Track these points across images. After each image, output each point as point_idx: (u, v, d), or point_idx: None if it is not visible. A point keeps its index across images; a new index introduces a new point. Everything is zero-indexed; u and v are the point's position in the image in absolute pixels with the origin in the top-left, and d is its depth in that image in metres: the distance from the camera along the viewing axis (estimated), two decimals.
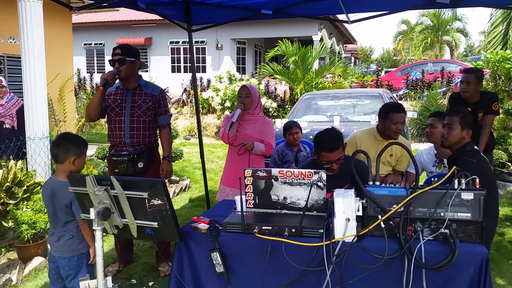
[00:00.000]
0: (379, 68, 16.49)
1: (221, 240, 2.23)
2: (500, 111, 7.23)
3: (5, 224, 3.85)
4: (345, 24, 19.17)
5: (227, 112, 11.44)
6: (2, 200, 3.90)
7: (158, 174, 3.50)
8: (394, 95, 11.04)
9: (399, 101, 11.11)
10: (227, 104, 11.55)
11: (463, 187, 2.00)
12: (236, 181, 3.40)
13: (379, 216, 2.01)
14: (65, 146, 2.49)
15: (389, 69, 21.68)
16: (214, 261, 2.19)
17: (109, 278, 2.03)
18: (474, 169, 2.62)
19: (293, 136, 4.19)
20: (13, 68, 7.62)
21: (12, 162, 4.21)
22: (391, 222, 2.03)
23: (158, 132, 3.62)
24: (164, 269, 3.54)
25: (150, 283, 3.40)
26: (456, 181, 2.01)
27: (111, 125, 3.45)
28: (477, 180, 2.02)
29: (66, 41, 9.01)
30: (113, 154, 3.40)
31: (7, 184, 3.99)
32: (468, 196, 1.99)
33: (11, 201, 3.96)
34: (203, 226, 2.29)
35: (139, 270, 3.64)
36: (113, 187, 1.95)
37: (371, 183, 2.12)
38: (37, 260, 3.72)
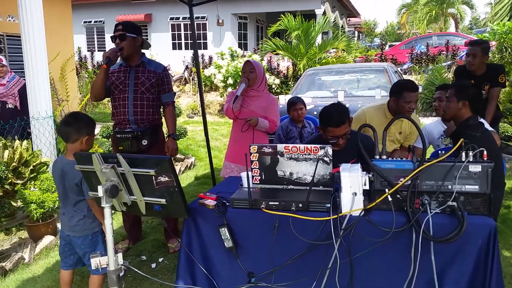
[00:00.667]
0: (383, 42, 16.25)
1: (229, 216, 2.25)
2: (507, 83, 7.17)
3: (14, 204, 3.90)
4: None
5: (230, 90, 11.36)
6: (10, 180, 3.92)
7: (162, 152, 3.50)
8: (399, 69, 10.92)
9: (404, 75, 10.98)
10: (230, 81, 11.46)
11: (471, 160, 1.99)
12: (240, 157, 3.41)
13: (386, 190, 2.01)
14: (77, 125, 2.51)
15: (393, 43, 21.37)
16: (222, 237, 2.21)
17: (120, 255, 2.05)
18: (478, 142, 2.61)
19: (297, 112, 4.16)
20: (13, 47, 7.56)
21: (17, 142, 4.22)
22: (398, 196, 2.03)
23: (162, 110, 3.61)
24: (173, 245, 3.58)
25: (160, 259, 3.44)
26: (463, 154, 2.00)
27: (114, 102, 3.43)
28: (485, 152, 2.00)
29: (65, 19, 8.90)
30: (117, 132, 3.40)
31: (14, 164, 4.01)
32: (475, 168, 1.98)
33: (18, 181, 3.99)
34: (210, 202, 2.30)
35: (148, 246, 3.69)
36: (120, 165, 1.95)
37: (377, 157, 2.11)
38: (48, 239, 3.76)
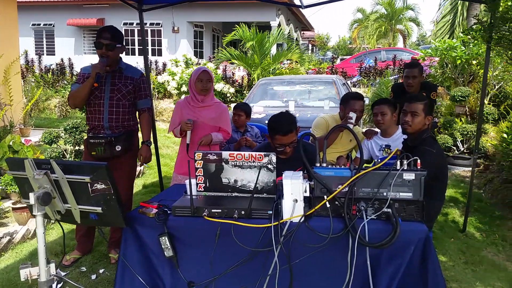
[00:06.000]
0: (334, 56, 16.74)
1: (171, 224, 2.21)
2: (448, 97, 7.59)
3: None
4: (303, 11, 19.27)
5: (183, 97, 11.24)
6: None
7: (136, 158, 3.50)
8: (348, 82, 11.27)
9: (353, 88, 11.35)
10: (183, 88, 11.35)
11: (405, 168, 2.07)
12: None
13: (325, 197, 2.06)
14: None
15: (345, 57, 22.09)
16: (163, 246, 2.17)
17: (52, 265, 1.96)
18: (433, 158, 2.74)
19: (233, 118, 4.21)
20: None
21: None
22: (336, 202, 2.08)
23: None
24: (115, 255, 3.46)
25: (101, 270, 3.32)
26: (398, 162, 2.08)
27: (90, 108, 3.34)
28: (419, 161, 2.09)
29: (10, 20, 8.48)
30: (90, 137, 3.32)
31: None
32: (409, 176, 2.06)
33: None
34: (151, 210, 2.26)
35: (89, 257, 3.55)
36: (54, 171, 1.87)
37: (318, 164, 2.16)
38: None
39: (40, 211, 1.85)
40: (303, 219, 2.06)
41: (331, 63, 14.92)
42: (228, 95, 11.62)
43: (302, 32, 26.05)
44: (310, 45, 32.38)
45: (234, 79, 12.47)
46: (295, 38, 19.44)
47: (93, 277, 3.23)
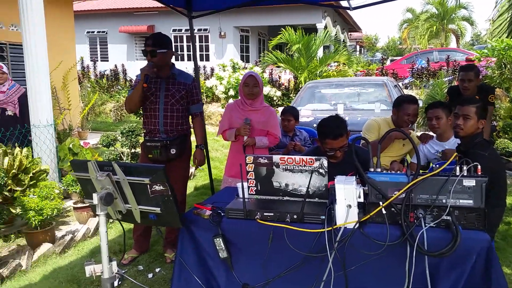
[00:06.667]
0: (384, 57, 16.34)
1: (224, 226, 2.25)
2: (507, 99, 7.22)
3: (13, 211, 3.90)
4: (350, 12, 19.00)
5: (231, 101, 11.40)
6: (9, 187, 3.93)
7: (189, 160, 3.66)
8: (400, 83, 10.95)
9: (405, 90, 11.02)
10: (231, 92, 11.52)
11: (465, 174, 1.99)
12: (239, 171, 3.38)
13: (380, 203, 2.01)
14: None
15: (395, 58, 21.50)
16: (217, 247, 2.21)
17: (114, 263, 2.05)
18: (486, 162, 2.61)
19: (283, 123, 4.19)
20: (16, 56, 7.62)
21: (17, 149, 4.24)
22: (392, 209, 2.03)
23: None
24: (171, 255, 3.56)
25: (157, 269, 3.43)
26: (457, 168, 2.00)
27: (146, 112, 3.52)
28: (479, 167, 2.00)
29: (67, 29, 8.98)
30: (147, 140, 3.51)
31: (14, 171, 4.02)
32: (470, 183, 1.98)
33: (18, 188, 4.00)
34: (205, 212, 2.31)
35: (145, 256, 3.67)
36: (115, 173, 1.96)
37: (372, 169, 2.12)
38: (46, 246, 3.75)
39: (102, 211, 1.94)
40: (357, 225, 2.02)
41: (381, 64, 14.58)
42: (275, 98, 11.66)
43: (349, 33, 25.66)
44: (357, 46, 31.82)
45: (280, 82, 12.50)
46: (342, 40, 19.17)
47: (150, 276, 3.34)
